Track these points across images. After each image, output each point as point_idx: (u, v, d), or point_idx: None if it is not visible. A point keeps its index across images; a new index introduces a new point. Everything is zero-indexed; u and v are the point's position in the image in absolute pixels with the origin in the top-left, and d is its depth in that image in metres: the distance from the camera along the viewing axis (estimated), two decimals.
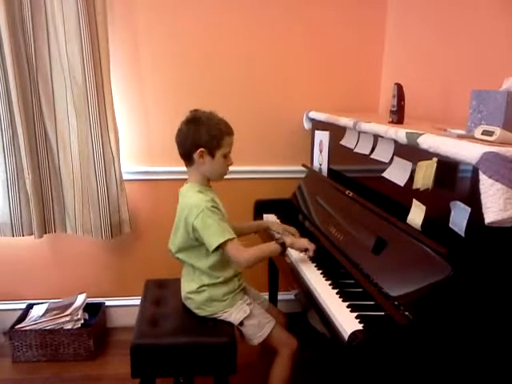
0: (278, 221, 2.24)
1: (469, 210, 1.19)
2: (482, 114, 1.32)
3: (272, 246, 1.74)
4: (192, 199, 1.68)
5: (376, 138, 1.72)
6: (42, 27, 2.24)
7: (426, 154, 1.32)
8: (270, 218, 2.29)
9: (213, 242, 1.63)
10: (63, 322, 2.37)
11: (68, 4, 2.17)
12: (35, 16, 2.22)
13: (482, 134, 1.25)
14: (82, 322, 2.41)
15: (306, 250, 1.75)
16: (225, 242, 1.62)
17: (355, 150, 1.89)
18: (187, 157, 1.72)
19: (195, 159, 1.70)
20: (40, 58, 2.27)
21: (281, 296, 2.56)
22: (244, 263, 1.68)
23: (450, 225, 1.26)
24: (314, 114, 2.40)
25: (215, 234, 1.63)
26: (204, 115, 1.70)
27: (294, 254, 1.81)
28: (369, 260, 1.54)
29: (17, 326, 2.36)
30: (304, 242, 1.77)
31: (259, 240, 2.17)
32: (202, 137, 1.67)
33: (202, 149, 1.67)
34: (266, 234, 2.12)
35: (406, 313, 1.24)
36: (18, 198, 2.35)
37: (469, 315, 1.19)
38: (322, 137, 2.30)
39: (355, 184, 1.92)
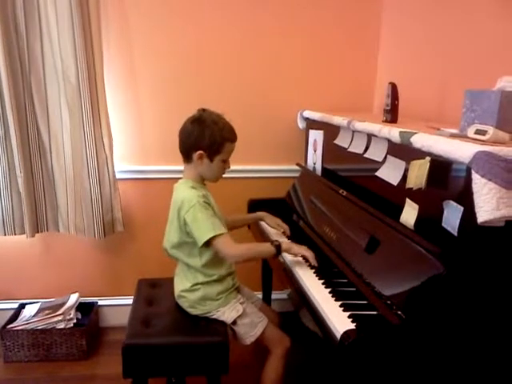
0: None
1: (461, 209, 1.19)
2: (476, 114, 1.32)
3: (266, 247, 1.71)
4: (184, 193, 1.68)
5: (370, 137, 1.72)
6: (35, 26, 2.23)
7: (419, 154, 1.31)
8: None
9: (201, 236, 1.62)
10: (55, 322, 2.35)
11: (61, 3, 2.15)
12: (28, 15, 2.20)
13: (475, 133, 1.24)
14: (75, 321, 2.40)
15: (303, 257, 1.72)
16: (214, 237, 1.61)
17: (349, 149, 1.88)
18: (186, 155, 1.72)
19: (193, 159, 1.70)
20: (33, 57, 2.26)
21: (274, 295, 2.56)
22: (231, 259, 1.69)
23: (443, 224, 1.26)
24: (308, 113, 2.40)
25: (204, 228, 1.62)
26: (210, 117, 1.69)
27: (287, 255, 1.79)
28: (362, 259, 1.54)
29: (8, 326, 2.35)
30: (301, 249, 1.72)
31: (252, 238, 2.16)
32: (203, 140, 1.66)
33: (201, 151, 1.67)
34: (259, 231, 2.12)
35: (399, 312, 1.23)
36: (9, 197, 2.34)
37: (461, 314, 1.18)
38: (316, 136, 2.30)
39: (349, 183, 1.91)
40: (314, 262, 1.67)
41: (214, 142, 1.67)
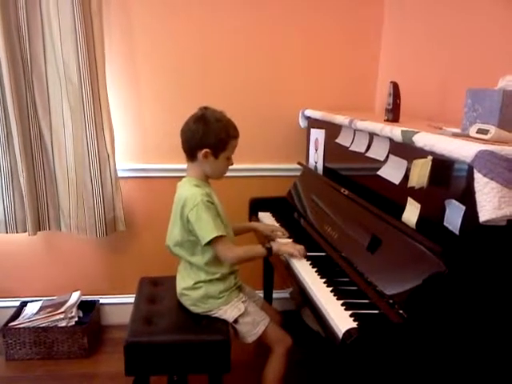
0: (272, 219, 2.24)
1: (463, 208, 1.19)
2: (478, 113, 1.32)
3: (259, 249, 1.79)
4: (188, 192, 1.69)
5: (371, 136, 1.72)
6: (37, 27, 2.23)
7: (421, 153, 1.31)
8: (265, 217, 2.29)
9: (205, 235, 1.64)
10: (57, 320, 2.36)
11: (63, 4, 2.16)
12: (30, 16, 2.20)
13: (476, 132, 1.24)
14: (76, 319, 2.40)
15: (292, 255, 1.76)
16: (216, 238, 1.64)
17: (350, 148, 1.88)
18: (190, 153, 1.73)
19: (199, 158, 1.70)
20: (35, 58, 2.26)
21: (276, 294, 2.56)
22: (229, 260, 1.73)
23: (445, 223, 1.26)
24: (309, 112, 2.40)
25: (208, 228, 1.64)
26: (213, 116, 1.70)
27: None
28: (363, 258, 1.54)
29: (10, 324, 2.35)
30: (289, 248, 1.78)
31: (255, 240, 2.16)
32: (209, 138, 1.67)
33: (207, 149, 1.68)
34: (260, 234, 2.12)
35: (401, 311, 1.24)
36: (12, 195, 2.34)
37: (463, 313, 1.19)
38: (318, 135, 2.30)
39: (350, 182, 1.91)
40: (299, 257, 1.73)
41: (219, 140, 1.68)
